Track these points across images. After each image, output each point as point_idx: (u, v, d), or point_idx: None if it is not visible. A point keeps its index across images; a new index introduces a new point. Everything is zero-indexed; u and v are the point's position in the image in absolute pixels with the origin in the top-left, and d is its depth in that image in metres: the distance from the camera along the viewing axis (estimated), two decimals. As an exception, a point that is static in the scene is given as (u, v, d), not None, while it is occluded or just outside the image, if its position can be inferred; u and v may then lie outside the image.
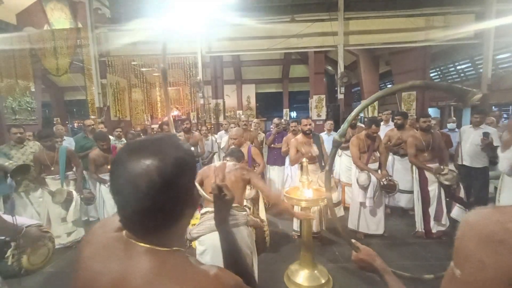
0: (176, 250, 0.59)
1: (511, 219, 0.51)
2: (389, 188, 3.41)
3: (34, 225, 1.93)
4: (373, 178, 3.38)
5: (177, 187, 0.56)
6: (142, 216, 0.55)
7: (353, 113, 1.01)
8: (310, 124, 3.54)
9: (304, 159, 2.89)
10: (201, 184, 2.07)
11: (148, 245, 0.57)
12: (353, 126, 4.47)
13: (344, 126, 1.00)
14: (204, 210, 1.97)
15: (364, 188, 3.40)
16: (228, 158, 2.27)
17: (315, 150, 3.39)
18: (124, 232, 0.60)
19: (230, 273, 0.61)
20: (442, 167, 3.41)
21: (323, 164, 3.52)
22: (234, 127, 4.32)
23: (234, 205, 1.95)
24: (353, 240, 1.01)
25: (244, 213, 1.97)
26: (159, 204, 0.54)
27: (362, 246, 0.97)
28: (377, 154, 3.62)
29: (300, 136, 3.61)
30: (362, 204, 3.49)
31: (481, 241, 0.51)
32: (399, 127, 4.21)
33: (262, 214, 3.25)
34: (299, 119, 3.93)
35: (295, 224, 3.58)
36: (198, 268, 0.57)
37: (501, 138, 3.15)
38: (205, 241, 1.85)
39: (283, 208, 2.08)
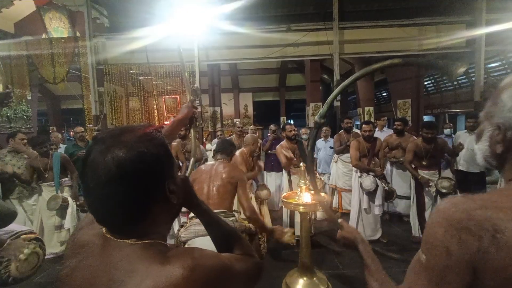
0: (149, 243, 0.55)
1: (478, 207, 0.51)
2: (387, 194, 3.43)
3: (24, 231, 1.88)
4: (379, 183, 3.36)
5: (137, 180, 0.52)
6: (103, 207, 0.53)
7: (333, 94, 1.00)
8: (294, 130, 3.69)
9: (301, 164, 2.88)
10: None
11: (119, 239, 0.55)
12: (348, 130, 4.51)
13: (324, 108, 1.01)
14: (192, 214, 1.93)
15: (370, 193, 3.38)
16: (218, 156, 2.18)
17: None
18: (104, 228, 0.58)
19: (208, 258, 0.56)
20: (431, 183, 3.33)
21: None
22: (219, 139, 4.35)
23: (221, 210, 1.88)
24: (339, 220, 1.02)
25: (232, 218, 1.90)
26: (117, 195, 0.51)
27: (346, 224, 0.98)
28: (377, 159, 3.63)
29: (284, 142, 3.76)
30: (366, 210, 3.47)
31: (449, 228, 0.52)
32: (399, 133, 4.13)
33: (267, 218, 3.21)
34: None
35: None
36: (167, 263, 0.51)
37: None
38: (191, 246, 1.80)
39: (258, 225, 1.97)
